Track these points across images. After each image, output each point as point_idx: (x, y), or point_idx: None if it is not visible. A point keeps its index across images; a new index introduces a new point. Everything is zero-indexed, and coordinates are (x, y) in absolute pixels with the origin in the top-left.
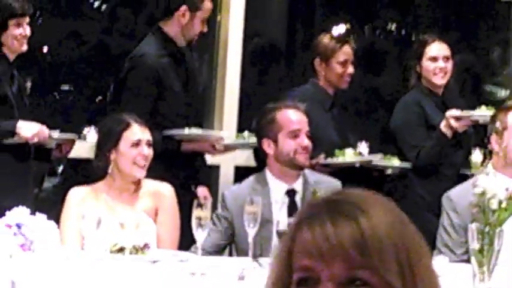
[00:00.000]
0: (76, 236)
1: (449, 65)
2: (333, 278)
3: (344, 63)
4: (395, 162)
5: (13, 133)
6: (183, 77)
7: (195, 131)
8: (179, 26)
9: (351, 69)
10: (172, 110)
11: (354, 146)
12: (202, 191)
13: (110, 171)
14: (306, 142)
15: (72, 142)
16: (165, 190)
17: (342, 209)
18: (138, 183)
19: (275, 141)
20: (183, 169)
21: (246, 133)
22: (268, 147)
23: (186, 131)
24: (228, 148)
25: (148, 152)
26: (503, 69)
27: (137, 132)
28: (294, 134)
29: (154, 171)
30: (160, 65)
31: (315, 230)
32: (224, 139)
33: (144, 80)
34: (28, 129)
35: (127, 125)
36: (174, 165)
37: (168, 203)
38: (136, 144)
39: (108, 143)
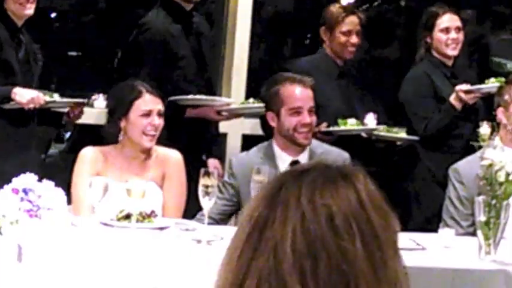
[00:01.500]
0: (86, 195)
1: (461, 35)
2: None
3: (348, 33)
4: (402, 134)
5: (8, 99)
6: (194, 44)
7: (199, 96)
8: None
9: (354, 39)
10: (182, 77)
11: (361, 118)
12: (213, 163)
13: (120, 138)
14: (307, 120)
15: (81, 106)
16: (173, 157)
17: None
18: (148, 152)
19: (278, 115)
20: (195, 138)
21: (251, 99)
22: (271, 120)
23: (190, 96)
24: (233, 115)
25: (159, 122)
26: None
27: (148, 102)
28: (296, 111)
29: (166, 139)
30: (168, 31)
31: None
32: (230, 105)
33: (152, 46)
34: (23, 96)
35: (139, 94)
36: (187, 134)
37: (175, 169)
38: (147, 114)
39: (119, 110)
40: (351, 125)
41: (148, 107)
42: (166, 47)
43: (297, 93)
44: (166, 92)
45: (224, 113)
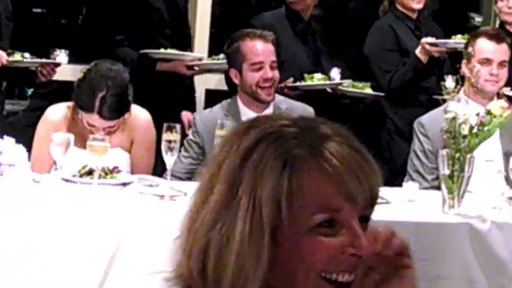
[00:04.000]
0: (47, 156)
1: None
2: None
3: None
4: (368, 90)
5: None
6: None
7: (170, 51)
8: None
9: None
10: (156, 30)
11: (327, 73)
12: (186, 115)
13: None
14: (269, 74)
15: (52, 65)
16: (142, 120)
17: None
18: None
19: (240, 72)
20: (170, 91)
21: (221, 55)
22: (235, 76)
23: (162, 50)
24: (203, 70)
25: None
26: None
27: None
28: (258, 67)
29: (141, 95)
30: None
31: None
32: (201, 60)
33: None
34: None
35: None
36: (162, 87)
37: (143, 133)
38: None
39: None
40: (317, 79)
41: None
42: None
43: (258, 48)
44: (141, 45)
45: (196, 68)
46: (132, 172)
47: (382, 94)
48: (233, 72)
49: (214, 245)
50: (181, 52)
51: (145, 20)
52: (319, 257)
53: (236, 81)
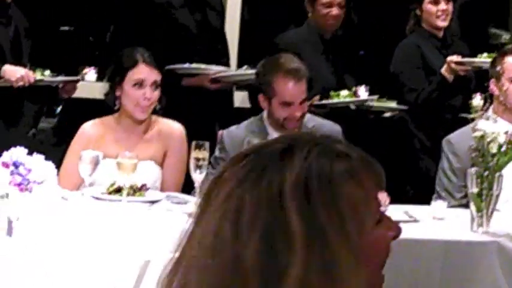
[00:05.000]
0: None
1: (451, 6)
2: None
3: (329, 5)
4: (392, 104)
5: None
6: (198, 16)
7: (195, 65)
8: None
9: (335, 11)
10: (186, 47)
11: (351, 89)
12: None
13: (117, 106)
14: (298, 113)
15: (74, 83)
16: (176, 132)
17: None
18: (147, 124)
19: (269, 102)
20: (206, 108)
21: (245, 66)
22: (263, 102)
23: (186, 65)
24: (228, 83)
25: (154, 94)
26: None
27: (142, 72)
28: (287, 104)
29: (174, 110)
30: (169, 3)
31: None
32: (225, 73)
33: (153, 17)
34: (12, 73)
35: (134, 63)
36: (197, 104)
37: (177, 146)
38: (140, 84)
39: (115, 77)
40: (343, 96)
41: (141, 76)
42: (167, 18)
43: (290, 88)
44: (169, 62)
45: (221, 81)
46: (163, 186)
47: (405, 108)
48: (262, 98)
49: None
50: (204, 66)
51: (173, 37)
52: (386, 250)
53: (264, 106)
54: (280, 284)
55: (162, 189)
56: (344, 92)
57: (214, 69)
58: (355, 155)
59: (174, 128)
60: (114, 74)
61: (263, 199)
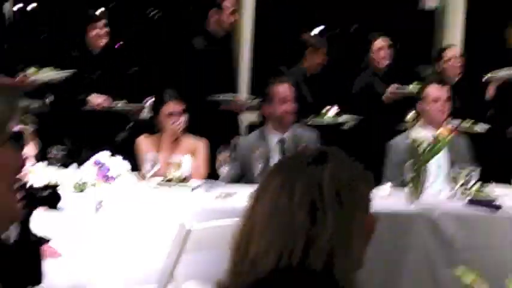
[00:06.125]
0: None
1: (390, 51)
2: None
3: (315, 52)
4: (351, 117)
5: (86, 102)
6: (216, 57)
7: (228, 96)
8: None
9: (322, 58)
10: (205, 76)
11: (325, 109)
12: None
13: (161, 128)
14: (290, 107)
15: (140, 109)
16: (199, 145)
17: None
18: (180, 139)
19: (270, 105)
20: (224, 127)
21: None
22: (266, 109)
23: (221, 96)
24: (248, 108)
25: (181, 118)
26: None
27: (171, 107)
28: (282, 101)
29: (200, 128)
30: (197, 50)
31: None
32: (249, 101)
33: (188, 61)
34: (95, 100)
35: (165, 101)
36: (218, 123)
37: (200, 150)
38: (170, 114)
39: (157, 109)
40: (328, 117)
41: (171, 109)
42: (196, 61)
43: (282, 90)
44: (196, 89)
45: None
46: (193, 173)
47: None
48: (264, 107)
49: None
50: (236, 96)
51: (199, 74)
52: (374, 229)
53: (267, 111)
54: (316, 241)
55: (193, 175)
56: (329, 114)
57: (242, 99)
58: (361, 167)
59: (199, 140)
60: (155, 107)
61: (309, 185)
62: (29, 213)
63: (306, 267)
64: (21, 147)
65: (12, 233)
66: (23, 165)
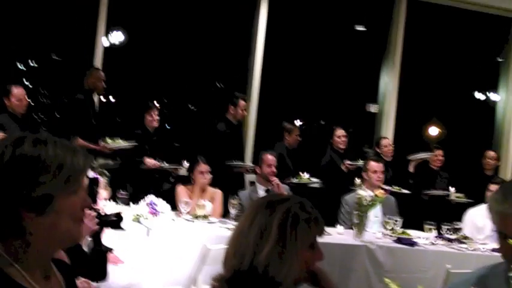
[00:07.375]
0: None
1: (345, 138)
2: None
3: (297, 134)
4: (318, 180)
5: (143, 162)
6: (233, 138)
7: (238, 163)
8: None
9: (297, 138)
10: (224, 149)
11: (300, 173)
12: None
13: (194, 181)
14: (274, 170)
15: (178, 168)
16: (217, 192)
17: None
18: (206, 189)
19: (260, 168)
20: (234, 182)
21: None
22: (258, 170)
23: (234, 162)
24: (249, 171)
25: (207, 176)
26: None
27: (203, 167)
28: (268, 165)
29: (220, 182)
30: (220, 131)
31: None
32: (251, 167)
33: (214, 138)
34: (149, 161)
35: (198, 163)
36: (230, 180)
37: (217, 198)
38: (201, 172)
39: (192, 169)
40: (304, 178)
41: (202, 169)
42: (219, 140)
43: (270, 158)
44: (218, 157)
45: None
46: (212, 213)
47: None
48: (258, 168)
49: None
50: (245, 163)
51: (219, 147)
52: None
53: (258, 171)
54: (258, 255)
55: (212, 215)
56: (304, 176)
57: (248, 164)
58: (313, 213)
59: (217, 191)
60: (191, 167)
61: (263, 218)
62: (100, 231)
63: (253, 270)
64: (97, 190)
65: (89, 244)
66: (89, 204)
